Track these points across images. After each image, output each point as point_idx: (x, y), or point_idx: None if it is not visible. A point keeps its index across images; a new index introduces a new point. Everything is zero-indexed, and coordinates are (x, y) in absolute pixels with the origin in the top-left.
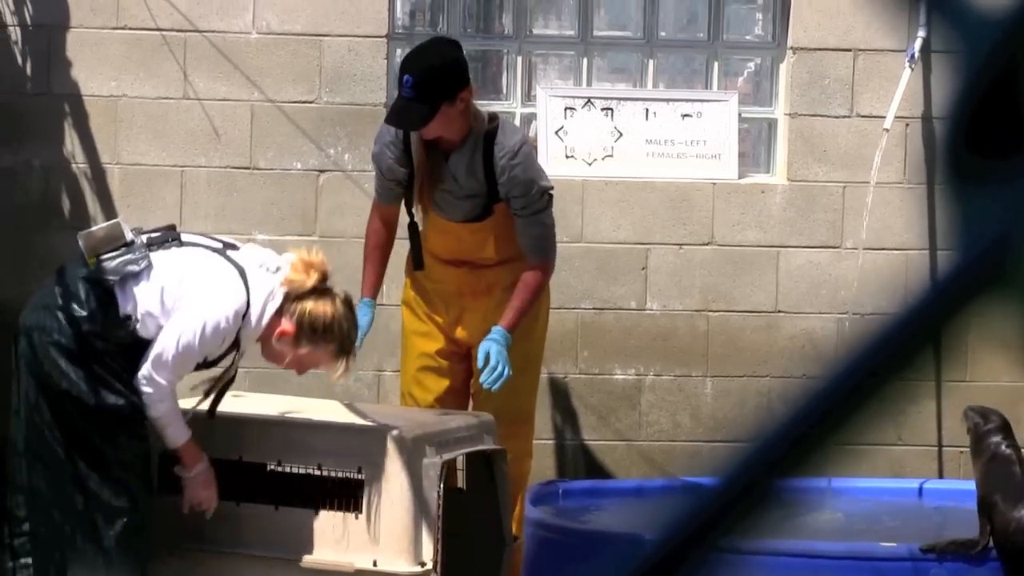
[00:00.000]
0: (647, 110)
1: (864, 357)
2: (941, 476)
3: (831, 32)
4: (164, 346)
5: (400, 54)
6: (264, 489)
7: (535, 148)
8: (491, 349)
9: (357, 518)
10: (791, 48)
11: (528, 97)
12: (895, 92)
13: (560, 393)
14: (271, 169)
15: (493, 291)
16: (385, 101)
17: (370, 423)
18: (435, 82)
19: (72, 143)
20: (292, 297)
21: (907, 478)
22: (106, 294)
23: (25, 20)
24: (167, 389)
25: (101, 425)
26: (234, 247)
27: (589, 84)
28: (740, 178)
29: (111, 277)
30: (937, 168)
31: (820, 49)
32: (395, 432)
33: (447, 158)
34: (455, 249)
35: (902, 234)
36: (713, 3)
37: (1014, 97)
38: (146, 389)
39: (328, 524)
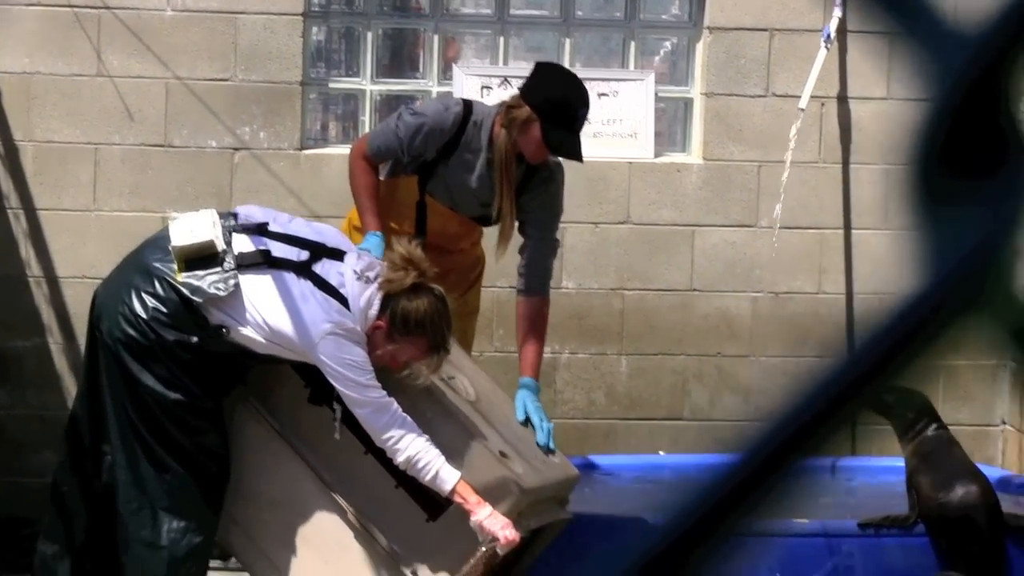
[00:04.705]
0: None
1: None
2: (854, 453)
3: (747, 12)
4: (356, 407)
5: (316, 32)
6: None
7: None
8: (528, 404)
9: (427, 522)
10: (707, 28)
11: (444, 76)
12: (810, 72)
13: None
14: (186, 147)
15: (448, 276)
16: (301, 79)
17: (504, 448)
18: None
19: None
20: (390, 296)
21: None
22: (189, 304)
23: None
24: (398, 423)
25: (179, 418)
26: (331, 253)
27: (505, 63)
28: (656, 157)
29: (196, 298)
30: (907, 188)
31: (736, 29)
32: (521, 481)
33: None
34: (438, 232)
35: (817, 213)
36: None
37: (991, 116)
38: (393, 446)
39: (395, 501)
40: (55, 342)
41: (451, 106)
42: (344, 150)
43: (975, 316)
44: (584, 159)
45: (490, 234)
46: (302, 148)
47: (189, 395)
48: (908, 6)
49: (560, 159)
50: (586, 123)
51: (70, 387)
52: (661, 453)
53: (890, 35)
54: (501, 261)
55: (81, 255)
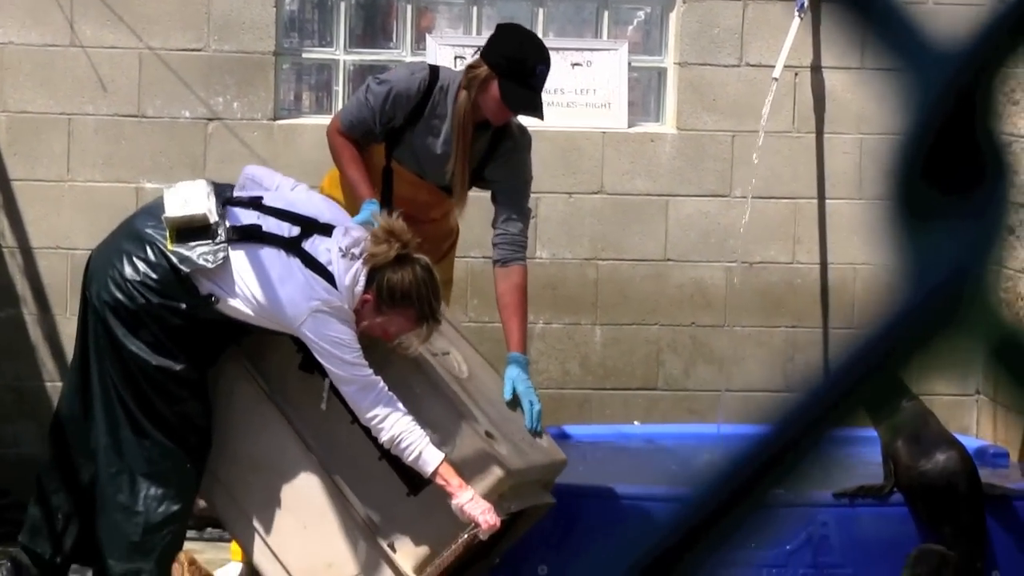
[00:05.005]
0: None
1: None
2: None
3: None
4: (342, 384)
5: (289, 2)
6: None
7: None
8: (518, 386)
9: (407, 496)
10: None
11: (418, 46)
12: (784, 41)
13: None
14: (159, 117)
15: (421, 246)
16: (274, 49)
17: (490, 428)
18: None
19: None
20: (375, 270)
21: None
22: (178, 272)
23: None
24: (383, 402)
25: (161, 385)
26: (323, 229)
27: (479, 33)
28: (630, 127)
29: (184, 267)
30: (886, 202)
31: None
32: (505, 462)
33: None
34: (407, 201)
35: (790, 183)
36: None
37: (970, 132)
38: (378, 424)
39: (378, 473)
40: (29, 313)
41: (417, 71)
42: (317, 120)
43: (955, 332)
44: (544, 116)
45: (466, 206)
46: (275, 118)
47: (172, 362)
48: (891, 24)
49: (526, 127)
50: (561, 93)
51: (44, 358)
52: (636, 423)
53: (874, 52)
54: (476, 232)
55: (55, 225)
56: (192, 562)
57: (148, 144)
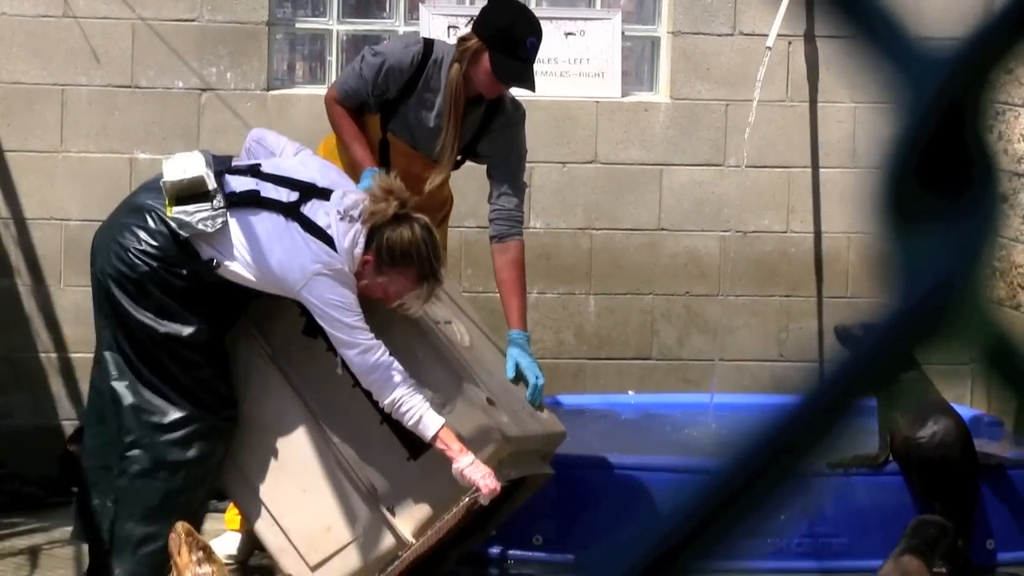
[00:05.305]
0: None
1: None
2: None
3: None
4: (343, 348)
5: None
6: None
7: None
8: (520, 361)
9: (408, 460)
10: None
11: (411, 15)
12: (778, 10)
13: None
14: (152, 88)
15: (420, 206)
16: (267, 20)
17: (491, 396)
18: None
19: None
20: (375, 229)
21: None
22: (178, 237)
23: None
24: (384, 366)
25: (172, 350)
26: (321, 194)
27: (472, 2)
28: (623, 96)
29: (183, 232)
30: (879, 205)
31: None
32: (505, 429)
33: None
34: (402, 171)
35: (784, 152)
36: None
37: (959, 136)
38: (379, 388)
39: (379, 437)
40: (23, 284)
41: (411, 44)
42: (311, 90)
43: (947, 336)
44: (536, 88)
45: (460, 177)
46: (269, 89)
47: (180, 327)
48: (883, 29)
49: (520, 102)
50: (555, 63)
51: (38, 329)
52: (630, 392)
53: (865, 57)
54: (470, 202)
55: (48, 196)
56: (189, 532)
57: (141, 115)
